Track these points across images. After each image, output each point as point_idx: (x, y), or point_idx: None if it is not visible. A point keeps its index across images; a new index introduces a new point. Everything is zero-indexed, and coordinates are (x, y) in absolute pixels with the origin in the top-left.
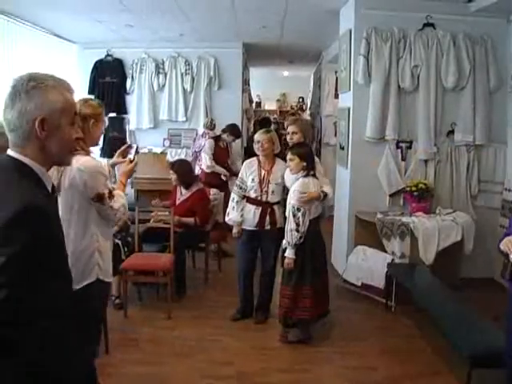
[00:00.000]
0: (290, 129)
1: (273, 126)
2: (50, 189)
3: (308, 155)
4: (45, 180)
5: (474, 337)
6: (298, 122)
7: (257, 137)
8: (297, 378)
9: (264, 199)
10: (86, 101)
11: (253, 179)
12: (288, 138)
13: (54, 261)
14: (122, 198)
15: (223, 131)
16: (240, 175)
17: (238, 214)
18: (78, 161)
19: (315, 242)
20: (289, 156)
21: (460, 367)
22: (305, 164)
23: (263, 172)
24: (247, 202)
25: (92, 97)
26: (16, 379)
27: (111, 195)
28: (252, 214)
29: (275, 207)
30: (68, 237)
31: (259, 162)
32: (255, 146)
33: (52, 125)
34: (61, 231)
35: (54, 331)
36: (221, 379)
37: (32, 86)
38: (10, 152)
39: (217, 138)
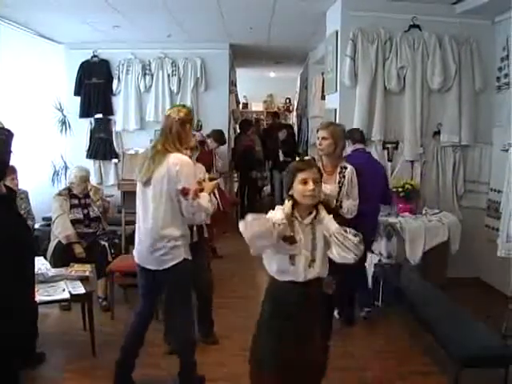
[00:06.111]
0: (320, 133)
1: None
2: None
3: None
4: None
5: (463, 336)
6: (330, 127)
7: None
8: None
9: None
10: (178, 108)
11: None
12: (317, 143)
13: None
14: (208, 200)
15: (207, 136)
16: None
17: None
18: (176, 156)
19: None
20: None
21: (450, 367)
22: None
23: None
24: None
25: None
26: None
27: (197, 195)
28: None
29: None
30: (159, 220)
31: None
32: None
33: None
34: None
35: None
36: (213, 381)
37: None
38: None
39: (200, 143)
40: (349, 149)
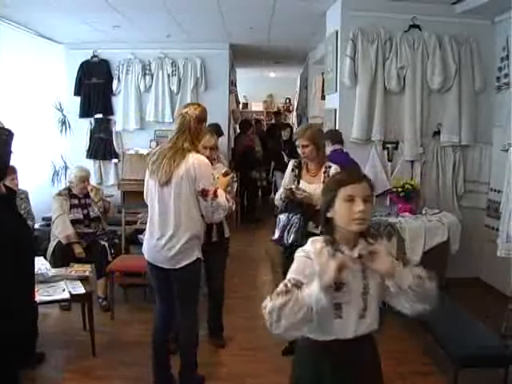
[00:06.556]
0: (300, 142)
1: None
2: None
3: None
4: None
5: (462, 336)
6: (307, 132)
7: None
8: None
9: None
10: (194, 106)
11: None
12: (300, 151)
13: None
14: (224, 197)
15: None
16: None
17: None
18: (194, 157)
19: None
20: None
21: (450, 367)
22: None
23: None
24: None
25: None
26: None
27: (215, 195)
28: None
29: None
30: (178, 220)
31: None
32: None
33: None
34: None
35: None
36: (213, 381)
37: None
38: None
39: None
40: (328, 149)
